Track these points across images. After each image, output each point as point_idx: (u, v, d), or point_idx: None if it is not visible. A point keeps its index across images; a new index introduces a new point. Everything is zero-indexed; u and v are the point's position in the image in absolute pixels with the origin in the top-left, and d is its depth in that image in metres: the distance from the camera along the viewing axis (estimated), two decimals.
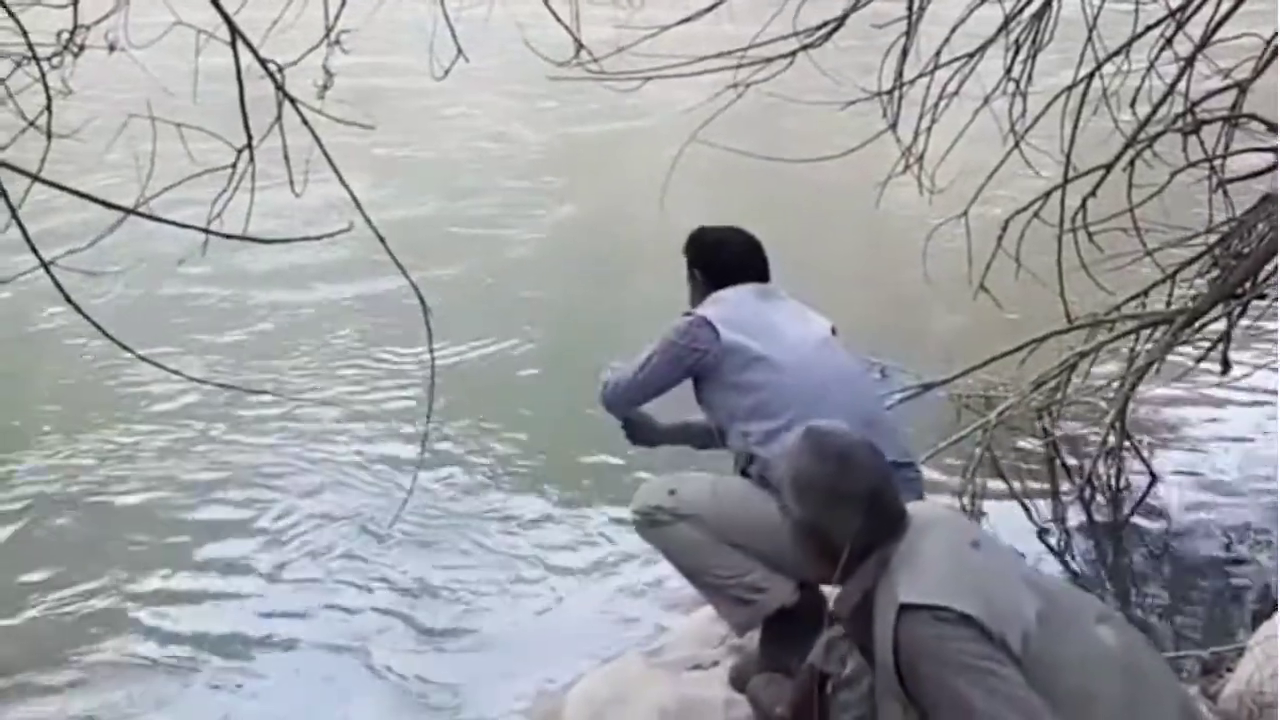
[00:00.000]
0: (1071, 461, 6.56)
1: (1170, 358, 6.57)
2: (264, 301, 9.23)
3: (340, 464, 6.75)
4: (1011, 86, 6.25)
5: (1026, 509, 6.26)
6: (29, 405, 7.52)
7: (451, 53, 4.11)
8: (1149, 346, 6.40)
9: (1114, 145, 6.26)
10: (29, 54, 3.67)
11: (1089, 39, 6.15)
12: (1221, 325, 6.45)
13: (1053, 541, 6.04)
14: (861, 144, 6.21)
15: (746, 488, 4.22)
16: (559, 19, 4.53)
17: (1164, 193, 6.29)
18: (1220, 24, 6.02)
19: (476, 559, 5.90)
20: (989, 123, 6.28)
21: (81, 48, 3.72)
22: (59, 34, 3.70)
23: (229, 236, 3.28)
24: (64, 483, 6.57)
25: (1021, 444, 6.68)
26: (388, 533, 6.01)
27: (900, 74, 6.15)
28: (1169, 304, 6.50)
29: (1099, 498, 6.31)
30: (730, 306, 4.41)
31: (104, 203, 2.99)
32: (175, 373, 4.40)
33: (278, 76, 3.30)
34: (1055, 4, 6.10)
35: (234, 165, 3.45)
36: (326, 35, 3.79)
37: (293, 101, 3.34)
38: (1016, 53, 6.21)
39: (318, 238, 3.43)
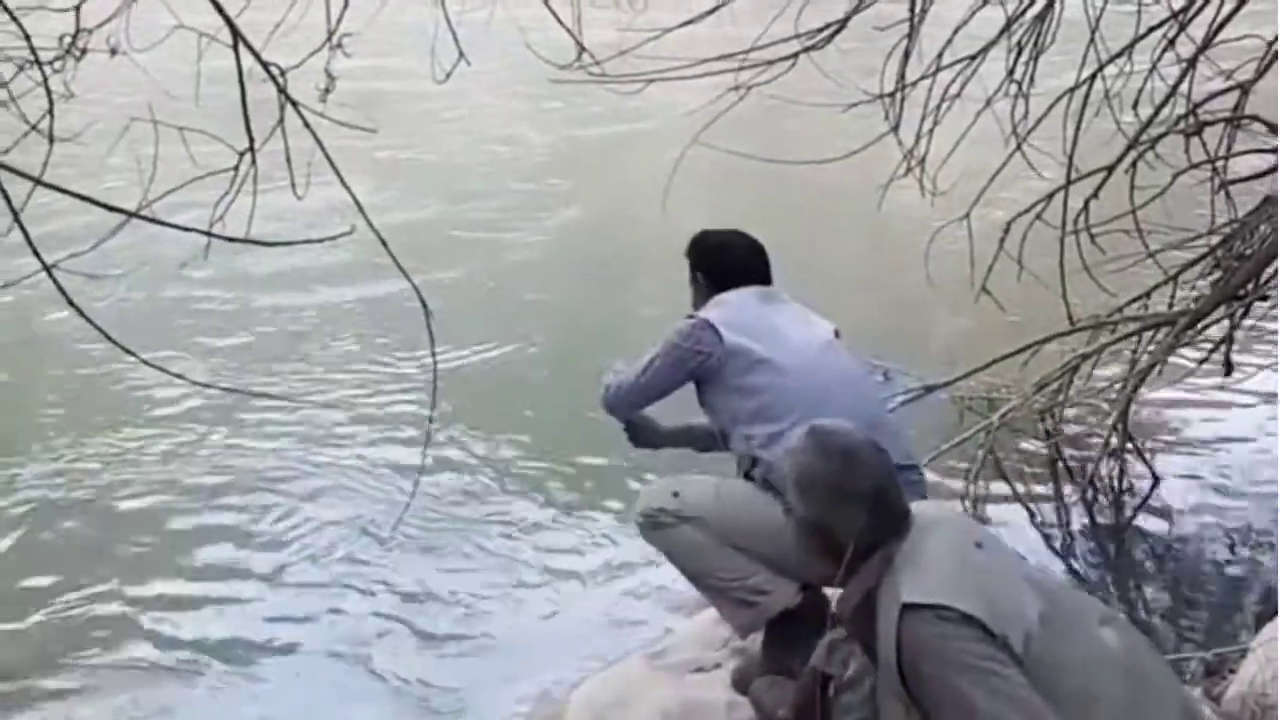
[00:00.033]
0: (1074, 463, 6.56)
1: (1172, 359, 6.58)
2: (266, 305, 9.23)
3: (343, 468, 6.75)
4: (1013, 88, 6.26)
5: (1029, 511, 6.26)
6: (33, 408, 7.52)
7: (453, 56, 4.11)
8: (1151, 348, 6.40)
9: (1116, 147, 6.26)
10: (31, 57, 3.67)
11: (1091, 41, 6.15)
12: (1224, 327, 6.44)
13: (1055, 543, 6.04)
14: (864, 146, 6.21)
15: (750, 490, 4.22)
16: (561, 22, 4.53)
17: (1166, 194, 6.29)
18: (1222, 25, 6.02)
19: (478, 562, 5.90)
20: (991, 125, 6.28)
21: (84, 51, 3.73)
22: (61, 37, 3.70)
23: (231, 239, 3.27)
24: (68, 487, 6.57)
25: (1024, 446, 6.68)
26: (390, 537, 6.00)
27: (902, 76, 6.15)
28: (1171, 306, 6.50)
29: (1101, 499, 6.31)
30: (733, 309, 4.41)
31: (106, 206, 2.99)
32: (178, 376, 4.41)
33: (280, 79, 3.30)
34: (1057, 6, 6.10)
35: (236, 168, 3.45)
36: (328, 39, 3.79)
37: (294, 104, 3.34)
38: (1019, 54, 6.21)
39: (320, 240, 3.43)
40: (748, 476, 4.27)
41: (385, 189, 11.42)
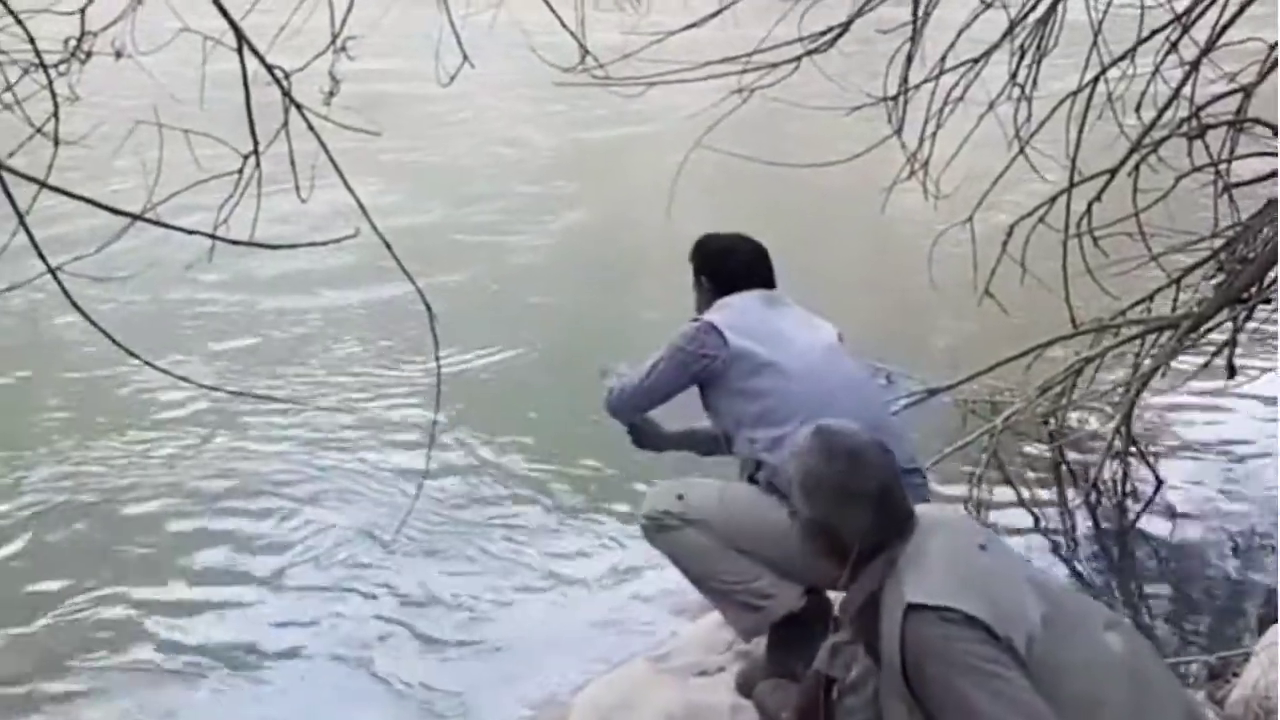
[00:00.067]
0: (1077, 466, 6.56)
1: (1176, 363, 6.57)
2: (271, 307, 9.24)
3: (346, 471, 6.75)
4: (1016, 91, 6.26)
5: (1032, 514, 6.25)
6: (39, 411, 7.53)
7: (457, 59, 4.12)
8: (1154, 351, 6.40)
9: (1119, 150, 6.26)
10: (36, 60, 3.67)
11: (1094, 44, 6.15)
12: (1227, 330, 6.44)
13: (1058, 546, 6.03)
14: (867, 149, 6.21)
15: (754, 494, 4.22)
16: (565, 25, 4.54)
17: (1169, 197, 6.28)
18: (1225, 28, 6.02)
19: (482, 566, 5.90)
20: (994, 128, 6.28)
21: (89, 54, 3.73)
22: (66, 41, 3.70)
23: (235, 243, 3.28)
24: (74, 490, 6.58)
25: (1027, 449, 6.68)
26: (393, 540, 6.00)
27: (905, 79, 6.15)
28: (1174, 309, 6.49)
29: (1105, 503, 6.30)
30: (737, 313, 4.42)
31: (111, 209, 2.99)
32: (184, 379, 4.41)
33: (284, 83, 3.31)
34: (1060, 9, 6.10)
35: (240, 171, 3.46)
36: (333, 42, 3.80)
37: (299, 107, 3.35)
38: (1021, 58, 6.21)
39: (324, 243, 3.43)
40: (752, 480, 4.27)
41: (389, 192, 11.43)
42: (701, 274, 4.66)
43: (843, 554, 3.21)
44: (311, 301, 9.36)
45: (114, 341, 3.19)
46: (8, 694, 5.04)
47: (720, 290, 4.56)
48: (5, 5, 3.43)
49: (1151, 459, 6.48)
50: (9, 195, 2.86)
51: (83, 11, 3.78)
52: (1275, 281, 6.13)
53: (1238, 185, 6.37)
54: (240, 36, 3.25)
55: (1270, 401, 7.11)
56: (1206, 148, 6.23)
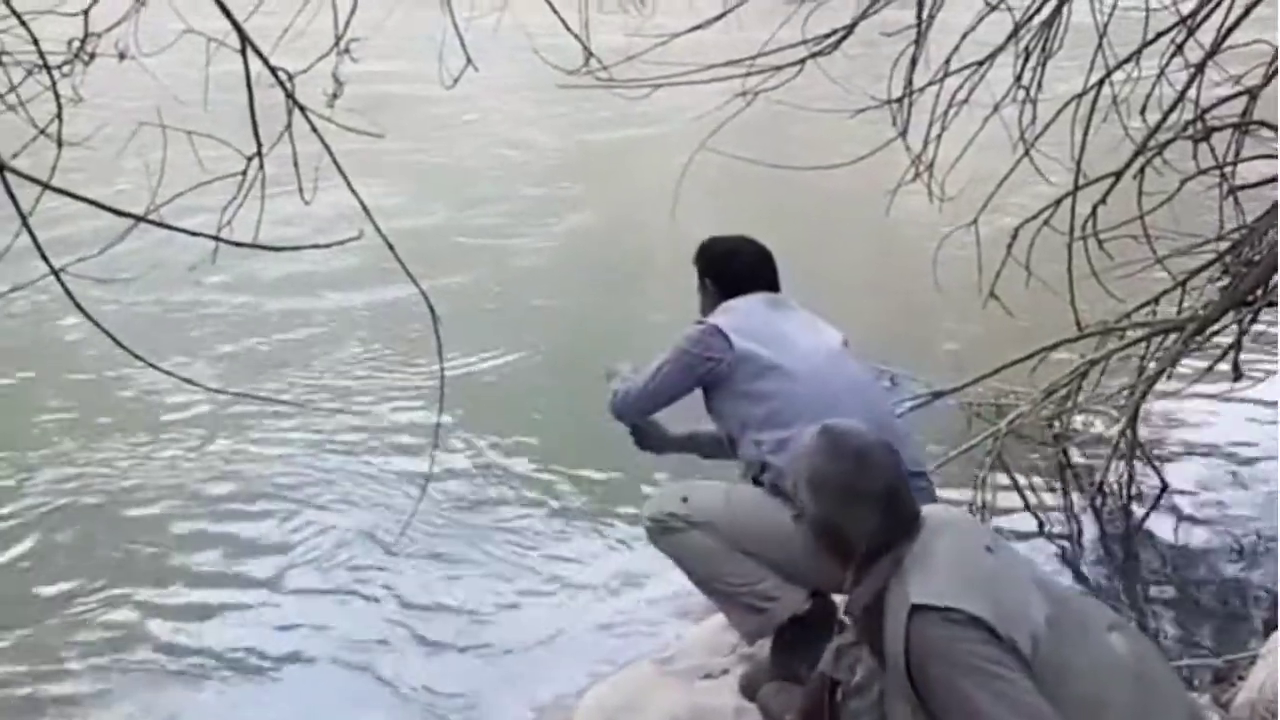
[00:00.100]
0: (1082, 469, 6.55)
1: (1181, 365, 6.56)
2: (275, 309, 9.24)
3: (350, 473, 6.75)
4: (1021, 94, 6.24)
5: (1037, 517, 6.24)
6: (43, 413, 7.53)
7: (461, 61, 4.11)
8: (1160, 354, 6.39)
9: (1124, 152, 6.25)
10: (40, 62, 3.67)
11: (1099, 46, 6.14)
12: (1232, 333, 6.43)
13: (1063, 549, 6.02)
14: (871, 152, 6.20)
15: (759, 496, 4.21)
16: (568, 27, 4.53)
17: (1174, 200, 6.28)
18: (1231, 30, 6.01)
19: (485, 569, 5.89)
20: (999, 130, 6.27)
21: (92, 55, 3.72)
22: (70, 42, 3.70)
23: (239, 244, 3.28)
24: (77, 492, 6.57)
25: (1032, 452, 6.66)
26: (397, 543, 6.00)
27: (910, 82, 6.14)
28: (1180, 312, 6.49)
29: (1110, 505, 6.29)
30: (741, 315, 4.41)
31: (114, 210, 2.99)
32: (187, 381, 4.41)
33: (288, 84, 3.30)
34: (1065, 11, 6.09)
35: (244, 173, 3.46)
36: (336, 43, 3.79)
37: (302, 109, 3.34)
38: (1026, 60, 6.20)
39: (327, 245, 3.42)
40: (756, 482, 4.26)
41: (393, 194, 11.43)
42: (706, 277, 4.66)
43: (848, 554, 3.21)
44: (315, 303, 9.35)
45: (117, 343, 3.19)
46: (10, 695, 5.04)
47: (725, 293, 4.55)
48: (9, 6, 3.43)
49: (1157, 462, 6.48)
50: (12, 196, 2.86)
51: (86, 13, 3.78)
52: None
53: (1243, 188, 6.36)
54: (244, 38, 3.24)
55: (1274, 404, 7.09)
56: (1212, 150, 6.22)
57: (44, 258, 2.93)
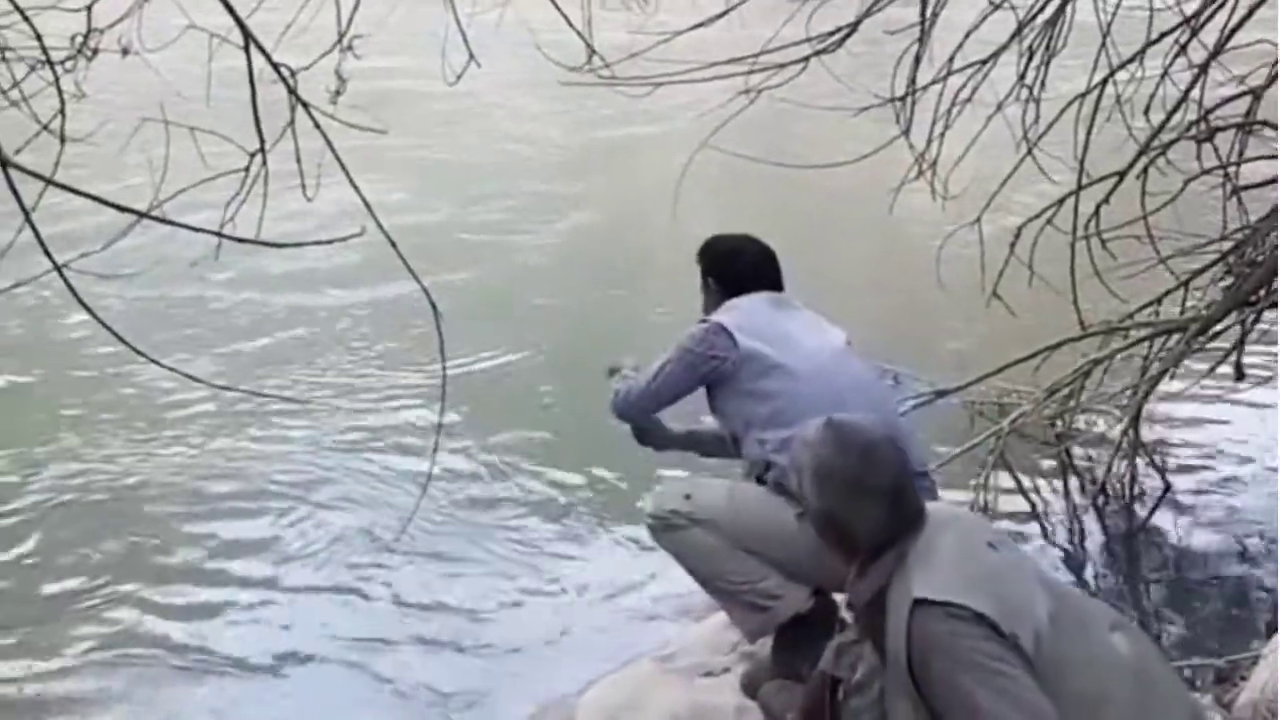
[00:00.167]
0: (1085, 469, 6.55)
1: (1184, 365, 6.56)
2: (277, 306, 9.24)
3: (351, 471, 6.75)
4: (1024, 93, 6.24)
5: (1039, 517, 6.24)
6: (47, 409, 7.53)
7: (464, 58, 4.11)
8: (1163, 354, 6.39)
9: (1127, 152, 6.25)
10: (43, 57, 3.67)
11: (1102, 45, 6.13)
12: (1235, 333, 6.43)
13: (1065, 549, 6.02)
14: (874, 150, 6.19)
15: (763, 494, 4.21)
16: (571, 24, 4.54)
17: (1177, 200, 6.28)
18: (1234, 30, 6.00)
19: (487, 568, 5.89)
20: (1002, 129, 6.27)
21: (95, 51, 3.72)
22: (73, 37, 3.70)
23: (241, 240, 3.27)
24: (81, 489, 6.58)
25: (1035, 452, 6.66)
26: (398, 542, 5.99)
27: (913, 80, 6.14)
28: (1182, 312, 6.48)
29: (1112, 505, 6.29)
30: (745, 314, 4.41)
31: (117, 206, 2.99)
32: (190, 377, 4.41)
33: (290, 80, 3.30)
34: (1069, 10, 6.08)
35: (247, 169, 3.45)
36: (339, 40, 3.79)
37: (305, 105, 3.34)
38: (1030, 59, 6.19)
39: (329, 242, 3.42)
40: (759, 480, 4.26)
41: (396, 190, 11.42)
42: (709, 275, 4.66)
43: (852, 548, 3.22)
44: (318, 300, 9.35)
45: (120, 339, 3.19)
46: (13, 692, 5.04)
47: (728, 292, 4.55)
48: (12, 2, 3.43)
49: (1159, 462, 6.47)
50: (15, 192, 2.86)
51: (89, 9, 3.77)
52: None
53: (1246, 188, 6.36)
54: (247, 34, 3.24)
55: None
56: (1215, 150, 6.22)
57: (47, 253, 2.93)
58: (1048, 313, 6.77)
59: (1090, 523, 6.20)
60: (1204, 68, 6.07)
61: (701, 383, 4.41)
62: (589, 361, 5.19)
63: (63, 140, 3.66)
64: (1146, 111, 6.24)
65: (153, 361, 3.57)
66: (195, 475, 6.72)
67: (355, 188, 3.29)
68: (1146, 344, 6.51)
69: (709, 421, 4.64)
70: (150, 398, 7.55)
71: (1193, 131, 6.16)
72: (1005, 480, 6.31)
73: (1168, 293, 6.56)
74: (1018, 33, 6.17)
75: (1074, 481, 6.47)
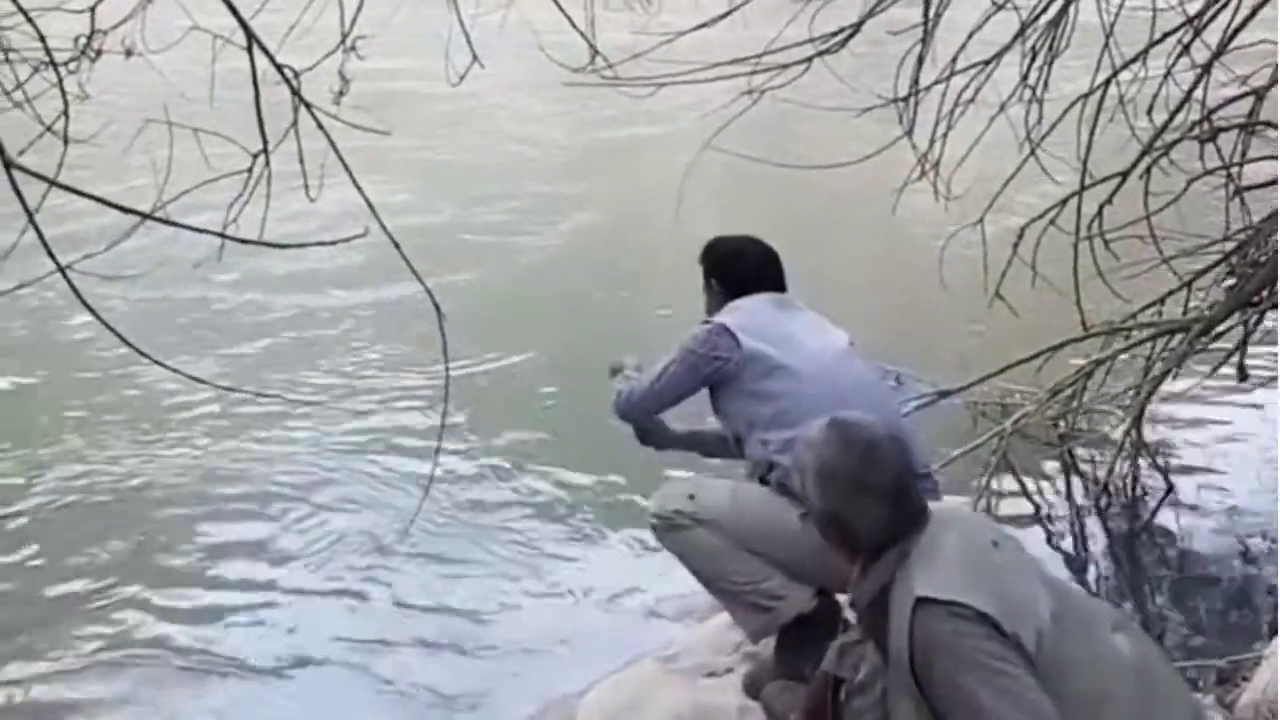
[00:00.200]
0: (1087, 469, 6.54)
1: (1187, 366, 6.56)
2: (281, 306, 9.25)
3: (354, 472, 6.75)
4: (1028, 93, 6.24)
5: (1042, 517, 6.24)
6: (51, 411, 7.54)
7: (467, 58, 4.12)
8: (1165, 355, 6.39)
9: (1130, 153, 6.24)
10: (46, 59, 3.67)
11: (1105, 46, 6.13)
12: (1238, 333, 6.43)
13: (1068, 549, 6.02)
14: (877, 151, 6.19)
15: (766, 495, 4.21)
16: (574, 25, 4.53)
17: (1180, 200, 6.27)
18: (1237, 31, 6.00)
19: (489, 570, 5.89)
20: (1005, 130, 6.27)
21: (99, 53, 3.73)
22: (76, 39, 3.71)
23: (244, 241, 3.28)
24: (85, 491, 6.59)
25: (1037, 452, 6.65)
26: (400, 544, 6.00)
27: (916, 80, 6.14)
28: (1185, 312, 6.48)
29: (1115, 506, 6.29)
30: (748, 315, 4.41)
31: (121, 207, 2.99)
32: (194, 379, 4.41)
33: (294, 82, 3.31)
34: (1072, 11, 6.08)
35: (250, 170, 3.46)
36: (342, 41, 3.80)
37: (308, 107, 3.34)
38: (1033, 59, 6.19)
39: (333, 242, 3.43)
40: (763, 481, 4.26)
41: (399, 191, 11.44)
42: (712, 277, 4.66)
43: (854, 547, 3.22)
44: (321, 300, 9.36)
45: (124, 340, 3.19)
46: (15, 695, 5.05)
47: (730, 293, 4.55)
48: (16, 3, 3.43)
49: (1162, 462, 6.47)
50: (19, 193, 2.86)
51: (93, 10, 3.78)
52: None
53: (1249, 188, 6.36)
54: (250, 35, 3.24)
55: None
56: (1218, 151, 6.21)
57: (50, 255, 2.93)
58: (1050, 313, 6.76)
59: (1093, 523, 6.20)
60: (1207, 68, 6.07)
61: (705, 384, 4.41)
62: (592, 363, 5.19)
63: (66, 141, 3.67)
64: (1149, 112, 6.23)
65: (156, 363, 3.57)
66: (199, 476, 6.73)
67: (358, 189, 3.30)
68: (1149, 344, 6.51)
69: (712, 422, 4.63)
70: (154, 399, 7.56)
71: (1195, 132, 6.16)
72: (1008, 481, 6.30)
73: (1170, 293, 6.56)
74: (1021, 33, 6.17)
75: (1076, 482, 6.47)
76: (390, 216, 3.41)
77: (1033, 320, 6.84)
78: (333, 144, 3.31)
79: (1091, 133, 6.14)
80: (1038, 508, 6.31)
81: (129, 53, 3.94)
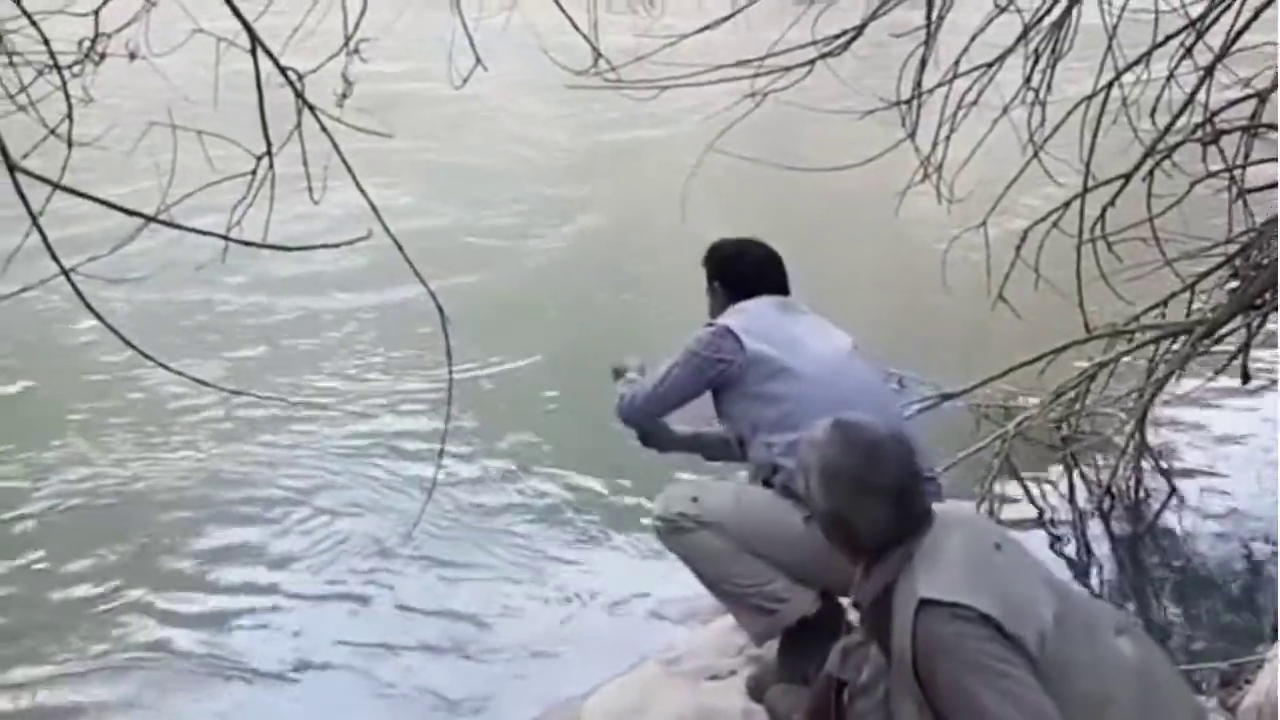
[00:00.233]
0: (1090, 472, 6.54)
1: (1190, 368, 6.55)
2: (284, 309, 9.25)
3: (357, 476, 6.75)
4: (1030, 95, 6.24)
5: (1045, 519, 6.24)
6: (56, 414, 7.53)
7: (470, 61, 4.12)
8: (1168, 357, 6.38)
9: (1133, 155, 6.24)
10: (50, 62, 3.68)
11: (1108, 48, 6.13)
12: (1241, 336, 6.42)
13: (1071, 552, 6.02)
14: (880, 153, 6.19)
15: (770, 497, 4.21)
16: (577, 27, 4.54)
17: (1183, 203, 6.27)
18: (1240, 33, 6.00)
19: (493, 573, 5.89)
20: (1008, 132, 6.27)
21: (103, 56, 3.74)
22: (80, 42, 3.71)
23: (248, 244, 3.29)
24: (90, 494, 6.58)
25: (1040, 455, 6.65)
26: (403, 546, 6.00)
27: (919, 83, 6.14)
28: (1188, 314, 6.47)
29: (1118, 508, 6.29)
30: (752, 317, 4.41)
31: (125, 210, 3.00)
32: (198, 381, 4.41)
33: (297, 84, 3.31)
34: (1075, 13, 6.08)
35: (253, 172, 3.46)
36: (346, 44, 3.80)
37: (312, 109, 3.35)
38: (1036, 62, 6.19)
39: (336, 245, 3.43)
40: (766, 484, 4.26)
41: (402, 194, 11.43)
42: (715, 279, 4.66)
43: (857, 547, 3.22)
44: (325, 303, 9.36)
45: (127, 343, 3.20)
46: (18, 698, 5.05)
47: (733, 295, 4.56)
48: (20, 6, 3.44)
49: (1165, 465, 6.47)
50: (23, 196, 2.87)
51: (96, 13, 3.78)
52: None
53: (1252, 191, 6.35)
54: (254, 38, 3.25)
55: None
56: (1221, 153, 6.21)
57: (54, 258, 2.94)
58: (1053, 316, 6.76)
59: (1095, 526, 6.19)
60: (1210, 70, 6.07)
61: (708, 386, 4.42)
62: (595, 365, 5.19)
63: (70, 144, 3.67)
64: (1152, 114, 6.23)
65: (160, 365, 3.57)
66: (203, 480, 6.73)
67: (362, 191, 3.30)
68: (1152, 347, 6.50)
69: (716, 424, 4.64)
70: (158, 402, 7.56)
71: (1198, 134, 6.16)
72: (1011, 484, 6.30)
73: (1174, 295, 6.55)
74: (1023, 35, 6.17)
75: (1079, 484, 6.46)
76: (393, 219, 3.42)
77: (1035, 323, 6.83)
78: (336, 146, 3.31)
79: (1094, 135, 6.14)
80: (1040, 510, 6.31)
81: (133, 56, 3.95)
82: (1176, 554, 6.01)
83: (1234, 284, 6.33)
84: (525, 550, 6.06)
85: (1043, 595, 3.06)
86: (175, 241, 7.20)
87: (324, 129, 3.32)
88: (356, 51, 3.81)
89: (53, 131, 3.72)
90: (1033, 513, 6.29)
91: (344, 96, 3.71)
